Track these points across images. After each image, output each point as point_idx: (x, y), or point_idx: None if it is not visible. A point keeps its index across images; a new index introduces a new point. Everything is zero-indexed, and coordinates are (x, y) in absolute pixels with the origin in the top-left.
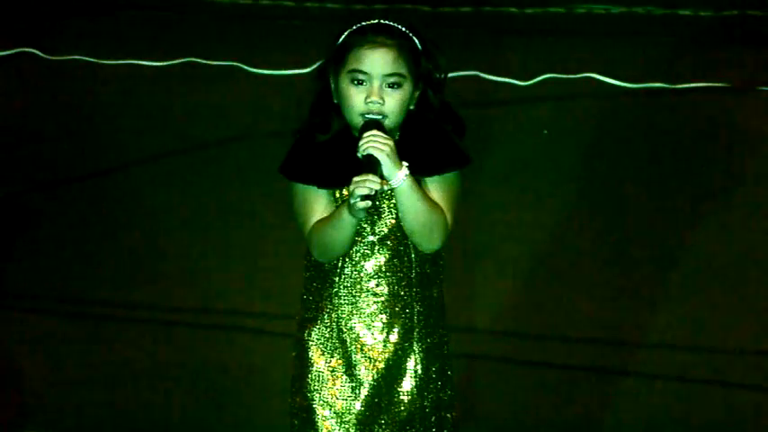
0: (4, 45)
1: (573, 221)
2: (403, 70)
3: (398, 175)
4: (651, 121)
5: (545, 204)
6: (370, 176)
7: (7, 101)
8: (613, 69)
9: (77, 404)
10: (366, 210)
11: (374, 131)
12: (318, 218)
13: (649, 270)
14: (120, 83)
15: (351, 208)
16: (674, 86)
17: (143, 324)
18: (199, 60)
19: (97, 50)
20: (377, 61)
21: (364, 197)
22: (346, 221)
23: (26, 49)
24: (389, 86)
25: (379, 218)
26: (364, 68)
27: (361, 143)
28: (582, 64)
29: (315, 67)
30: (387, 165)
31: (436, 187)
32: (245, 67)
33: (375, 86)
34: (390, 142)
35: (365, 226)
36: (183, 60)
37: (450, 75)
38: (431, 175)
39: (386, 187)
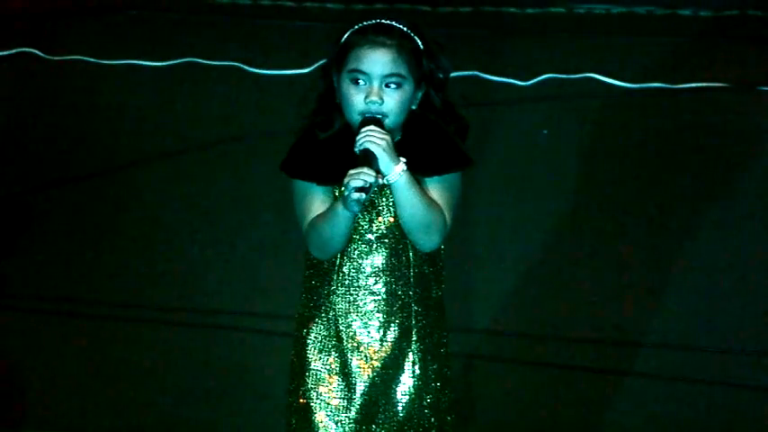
0: (4, 45)
1: (573, 221)
2: (402, 71)
3: (395, 170)
4: (651, 121)
5: (545, 204)
6: (365, 169)
7: (7, 101)
8: (613, 69)
9: (77, 404)
10: (360, 203)
11: (372, 126)
12: (316, 214)
13: (649, 270)
14: (120, 83)
15: (345, 201)
16: (674, 86)
17: (143, 324)
18: (199, 60)
19: (97, 50)
20: (376, 61)
21: (358, 189)
22: (341, 216)
23: (26, 49)
24: (389, 87)
25: (378, 216)
26: (364, 68)
27: (358, 138)
28: (582, 64)
29: (316, 66)
30: (383, 159)
31: (436, 186)
32: (246, 67)
33: (374, 86)
34: (387, 137)
35: (363, 224)
36: (183, 60)
37: (450, 75)
38: (431, 175)
39: (381, 181)
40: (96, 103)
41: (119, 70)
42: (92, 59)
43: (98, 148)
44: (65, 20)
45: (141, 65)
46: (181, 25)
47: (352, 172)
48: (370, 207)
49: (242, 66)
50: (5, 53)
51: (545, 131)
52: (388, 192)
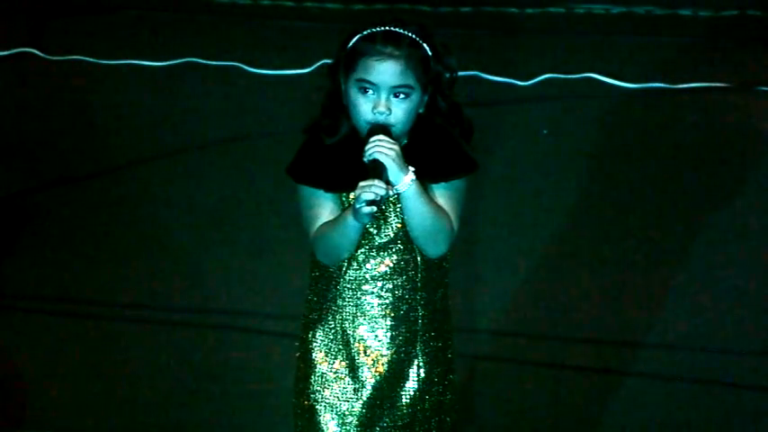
0: (4, 45)
1: (573, 221)
2: (411, 81)
3: (404, 180)
4: (651, 121)
5: (545, 204)
6: (376, 182)
7: (7, 101)
8: (613, 69)
9: (77, 404)
10: (371, 215)
11: (380, 136)
12: (324, 221)
13: (649, 270)
14: (120, 83)
15: (356, 213)
16: (674, 86)
17: (143, 324)
18: (199, 60)
19: (97, 50)
20: (385, 73)
21: (370, 202)
22: (351, 226)
23: (26, 49)
24: (397, 96)
25: (386, 222)
26: (372, 79)
27: (366, 148)
28: (582, 64)
29: (316, 66)
30: (392, 169)
31: (442, 192)
32: (245, 67)
33: (382, 97)
34: (396, 147)
35: (371, 229)
36: (183, 60)
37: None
38: (438, 181)
39: (392, 192)
40: (96, 103)
41: (119, 70)
42: (92, 59)
43: (98, 148)
44: (65, 20)
45: (141, 65)
46: (181, 25)
47: (362, 184)
48: (378, 213)
49: (242, 66)
50: (5, 53)
51: (545, 131)
52: (395, 198)
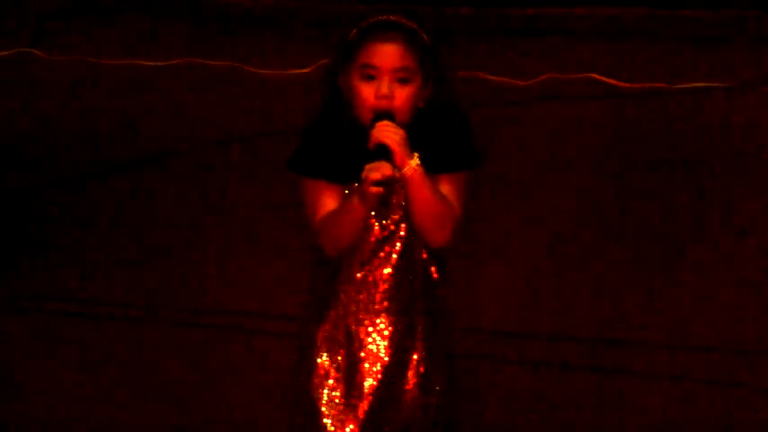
0: (4, 45)
1: (573, 221)
2: (411, 64)
3: (410, 165)
4: (651, 121)
5: (545, 204)
6: (383, 164)
7: (7, 101)
8: (613, 69)
9: (77, 404)
10: (378, 197)
11: (385, 122)
12: (327, 211)
13: (649, 270)
14: (120, 83)
15: (362, 195)
16: (674, 86)
17: (143, 324)
18: (199, 60)
19: (97, 50)
20: (386, 55)
21: (377, 184)
22: (357, 210)
23: (26, 49)
24: (398, 81)
25: (386, 217)
26: (374, 62)
27: (372, 132)
28: (582, 64)
29: (316, 66)
30: (398, 154)
31: (446, 183)
32: (246, 67)
33: (384, 81)
34: (401, 131)
35: (372, 223)
36: (183, 60)
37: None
38: (440, 173)
39: (396, 176)
40: (96, 103)
41: (119, 70)
42: (92, 59)
43: (98, 149)
44: (65, 20)
45: (141, 65)
46: (181, 25)
47: (369, 167)
48: (380, 204)
49: (242, 66)
50: (5, 53)
51: (544, 132)
52: (397, 189)
